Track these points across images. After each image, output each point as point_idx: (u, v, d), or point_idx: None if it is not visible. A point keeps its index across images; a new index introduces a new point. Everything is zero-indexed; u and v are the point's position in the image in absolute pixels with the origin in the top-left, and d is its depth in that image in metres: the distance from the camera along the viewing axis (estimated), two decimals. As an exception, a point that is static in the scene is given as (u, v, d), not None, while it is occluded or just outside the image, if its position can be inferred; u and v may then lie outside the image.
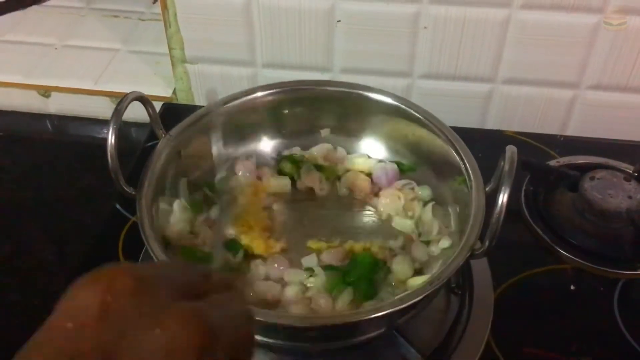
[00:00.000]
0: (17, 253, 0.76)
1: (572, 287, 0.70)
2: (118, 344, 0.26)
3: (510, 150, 0.55)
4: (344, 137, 0.76)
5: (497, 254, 0.67)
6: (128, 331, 0.26)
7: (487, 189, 0.60)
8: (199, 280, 0.32)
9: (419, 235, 0.67)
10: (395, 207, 0.70)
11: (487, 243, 0.54)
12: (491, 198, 0.55)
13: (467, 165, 0.62)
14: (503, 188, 0.52)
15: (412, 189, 0.71)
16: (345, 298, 0.59)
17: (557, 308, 0.68)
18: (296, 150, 0.75)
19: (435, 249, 0.65)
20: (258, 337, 0.54)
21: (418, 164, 0.72)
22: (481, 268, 0.68)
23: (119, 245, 0.74)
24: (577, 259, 0.71)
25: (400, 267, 0.62)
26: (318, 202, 0.72)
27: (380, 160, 0.74)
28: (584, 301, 0.69)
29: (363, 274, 0.62)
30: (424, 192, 0.71)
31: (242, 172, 0.73)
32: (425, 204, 0.69)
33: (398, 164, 0.73)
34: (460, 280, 0.68)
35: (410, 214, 0.69)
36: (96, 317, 0.27)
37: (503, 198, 0.52)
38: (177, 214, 0.66)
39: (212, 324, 0.28)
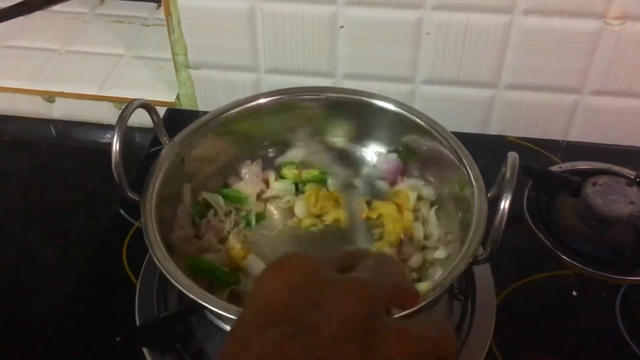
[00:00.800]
0: (21, 257, 0.76)
1: (574, 293, 0.70)
2: (304, 312, 0.31)
3: (512, 156, 0.56)
4: (347, 142, 0.76)
5: (499, 260, 0.68)
6: (309, 303, 0.31)
7: (489, 194, 0.60)
8: (345, 257, 0.38)
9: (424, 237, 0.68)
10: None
11: (489, 249, 0.54)
12: (493, 204, 0.55)
13: (470, 171, 0.62)
14: (505, 194, 0.52)
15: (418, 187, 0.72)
16: None
17: (560, 314, 0.69)
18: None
19: (429, 256, 0.65)
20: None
21: (420, 169, 0.72)
22: (483, 273, 0.68)
23: (123, 251, 0.74)
24: (579, 265, 0.71)
25: None
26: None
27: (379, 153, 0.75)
28: (586, 307, 0.69)
29: None
30: (429, 191, 0.71)
31: (249, 175, 0.73)
32: (430, 205, 0.70)
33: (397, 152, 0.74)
34: (462, 286, 0.68)
35: (416, 214, 0.70)
36: (285, 293, 0.32)
37: (505, 205, 0.52)
38: (180, 219, 0.67)
39: (368, 286, 0.33)
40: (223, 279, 0.63)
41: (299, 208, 0.72)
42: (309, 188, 0.74)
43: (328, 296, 0.32)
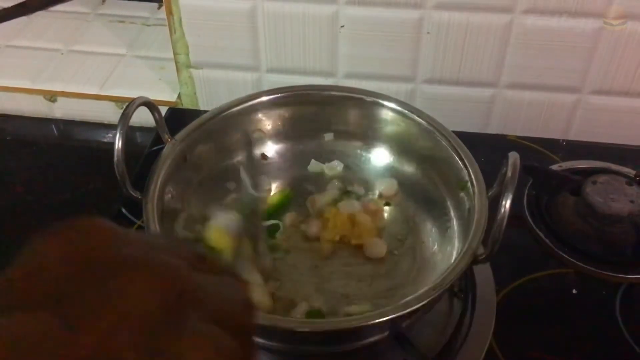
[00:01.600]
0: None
1: (574, 291, 0.70)
2: (76, 294, 0.23)
3: (513, 156, 0.56)
4: (348, 142, 0.76)
5: (499, 258, 0.67)
6: (90, 283, 0.24)
7: (489, 194, 0.60)
8: (194, 257, 0.28)
9: None
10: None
11: (489, 249, 0.54)
12: (494, 203, 0.56)
13: (470, 170, 0.62)
14: (506, 194, 0.52)
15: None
16: None
17: (560, 312, 0.69)
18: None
19: None
20: (260, 340, 0.54)
21: (420, 169, 0.73)
22: (484, 272, 0.69)
23: (125, 249, 0.74)
24: (579, 263, 0.72)
25: None
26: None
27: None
28: (586, 305, 0.69)
29: None
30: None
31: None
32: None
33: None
34: (463, 284, 0.68)
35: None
36: (56, 265, 0.24)
37: (506, 204, 0.52)
38: (182, 222, 0.67)
39: (180, 270, 0.25)
40: None
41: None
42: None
43: (123, 274, 0.24)
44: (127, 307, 0.23)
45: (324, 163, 0.76)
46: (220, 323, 0.25)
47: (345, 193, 0.74)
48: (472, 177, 0.62)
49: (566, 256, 0.72)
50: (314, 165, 0.76)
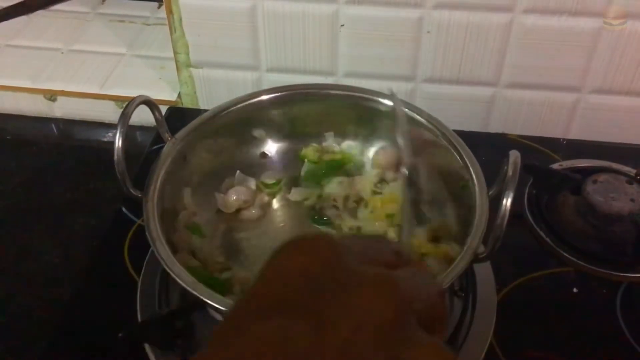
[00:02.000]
0: (23, 256, 0.76)
1: (575, 290, 0.70)
2: (319, 304, 0.26)
3: (514, 155, 0.56)
4: (348, 140, 0.76)
5: (500, 257, 0.68)
6: (327, 294, 0.27)
7: (490, 193, 0.60)
8: (390, 254, 0.32)
9: None
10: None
11: (490, 248, 0.54)
12: (494, 202, 0.56)
13: (470, 168, 0.62)
14: (506, 193, 0.52)
15: None
16: None
17: (560, 311, 0.69)
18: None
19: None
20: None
21: (420, 167, 0.72)
22: (484, 271, 0.69)
23: (125, 248, 0.74)
24: (579, 262, 0.72)
25: None
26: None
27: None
28: (587, 304, 0.69)
29: None
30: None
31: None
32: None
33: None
34: (463, 283, 0.68)
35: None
36: (299, 278, 0.27)
37: (507, 203, 0.52)
38: (182, 221, 0.67)
39: (404, 288, 0.28)
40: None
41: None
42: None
43: (351, 290, 0.27)
44: (362, 318, 0.26)
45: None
46: (429, 327, 0.29)
47: None
48: (473, 175, 0.62)
49: (567, 255, 0.72)
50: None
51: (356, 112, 0.74)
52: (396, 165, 0.73)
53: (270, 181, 0.75)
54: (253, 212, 0.72)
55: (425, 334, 0.28)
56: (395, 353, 0.26)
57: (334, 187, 0.72)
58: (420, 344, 0.27)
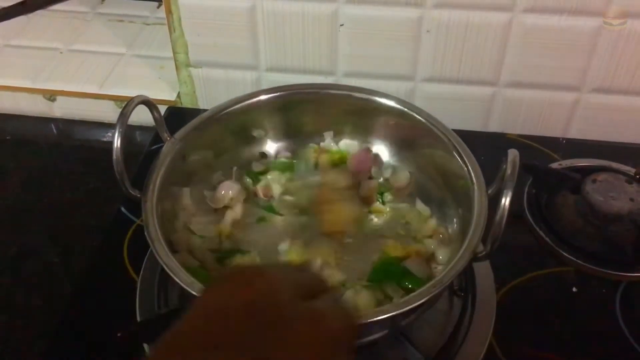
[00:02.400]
0: (22, 256, 0.77)
1: (574, 289, 0.70)
2: (258, 340, 0.27)
3: (513, 153, 0.56)
4: (347, 139, 0.76)
5: (499, 257, 0.67)
6: (266, 330, 0.28)
7: (489, 191, 0.60)
8: (315, 282, 0.35)
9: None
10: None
11: (489, 246, 0.54)
12: (493, 201, 0.55)
13: (470, 168, 0.62)
14: (505, 191, 0.52)
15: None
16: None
17: (560, 310, 0.69)
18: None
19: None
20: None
21: (420, 166, 0.73)
22: (484, 270, 0.69)
23: (124, 248, 0.74)
24: (579, 261, 0.72)
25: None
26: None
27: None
28: (586, 303, 0.69)
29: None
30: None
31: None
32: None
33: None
34: (463, 283, 0.68)
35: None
36: (239, 313, 0.28)
37: (505, 202, 0.52)
38: (181, 221, 0.67)
39: (334, 321, 0.30)
40: None
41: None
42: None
43: (288, 326, 0.28)
44: (298, 354, 0.27)
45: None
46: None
47: None
48: (472, 174, 0.61)
49: (566, 254, 0.72)
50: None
51: (355, 111, 0.74)
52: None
53: (258, 169, 0.75)
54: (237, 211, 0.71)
55: None
56: None
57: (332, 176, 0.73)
58: None
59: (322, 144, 0.76)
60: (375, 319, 0.51)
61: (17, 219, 0.82)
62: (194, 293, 0.52)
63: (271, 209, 0.72)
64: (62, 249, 0.77)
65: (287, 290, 0.31)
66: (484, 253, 0.55)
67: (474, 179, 0.61)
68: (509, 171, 0.54)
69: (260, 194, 0.73)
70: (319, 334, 0.29)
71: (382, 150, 0.75)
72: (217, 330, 0.28)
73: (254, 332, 0.28)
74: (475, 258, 0.55)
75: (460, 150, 0.65)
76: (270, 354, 0.27)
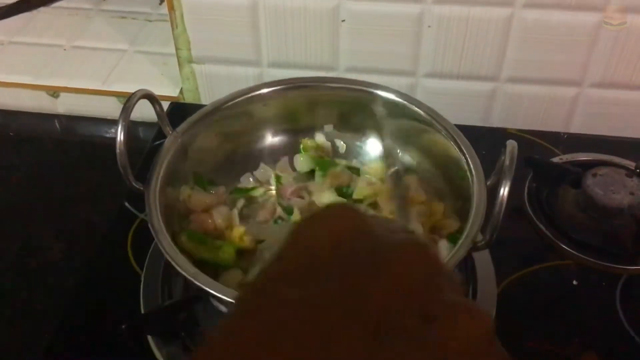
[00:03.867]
0: (26, 251, 0.77)
1: (574, 283, 0.70)
2: (352, 271, 0.26)
3: (511, 144, 0.56)
4: (348, 133, 0.76)
5: (500, 250, 0.68)
6: (360, 261, 0.26)
7: (488, 183, 0.60)
8: (405, 232, 0.33)
9: None
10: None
11: (488, 235, 0.54)
12: (493, 192, 0.56)
13: (469, 159, 0.63)
14: (504, 182, 0.53)
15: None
16: None
17: (560, 303, 0.69)
18: None
19: None
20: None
21: (420, 159, 0.73)
22: (484, 264, 0.69)
23: (128, 243, 0.75)
24: (579, 255, 0.72)
25: None
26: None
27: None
28: (587, 296, 0.70)
29: None
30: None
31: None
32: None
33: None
34: (463, 276, 0.68)
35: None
36: (329, 245, 0.27)
37: (504, 192, 0.53)
38: (183, 213, 0.67)
39: (435, 252, 0.29)
40: (223, 258, 0.63)
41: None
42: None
43: (383, 255, 0.26)
44: (397, 282, 0.25)
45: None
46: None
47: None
48: (471, 165, 0.62)
49: (567, 248, 0.73)
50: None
51: (355, 104, 0.74)
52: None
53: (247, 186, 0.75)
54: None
55: (458, 296, 0.28)
56: (432, 315, 0.25)
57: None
58: (457, 304, 0.27)
59: (319, 139, 0.76)
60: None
61: (21, 215, 0.82)
62: (197, 283, 0.52)
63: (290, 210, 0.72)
64: (66, 243, 0.78)
65: (379, 226, 0.29)
66: (483, 242, 0.55)
67: (472, 170, 0.61)
68: (507, 162, 0.54)
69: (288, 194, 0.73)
70: (420, 262, 0.27)
71: (382, 142, 0.75)
72: (306, 263, 0.27)
73: (345, 264, 0.26)
74: (474, 247, 0.55)
75: (459, 141, 0.65)
76: (364, 284, 0.25)
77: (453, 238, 0.63)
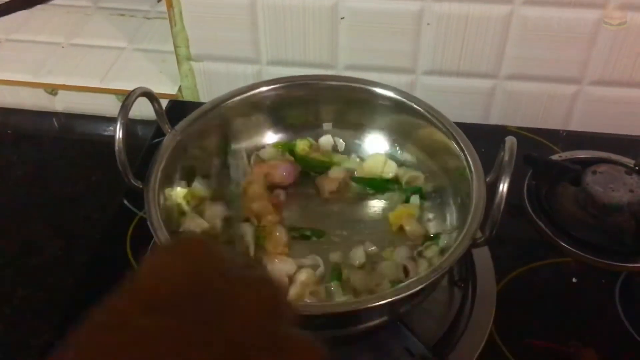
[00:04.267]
0: (26, 249, 0.77)
1: (574, 280, 0.71)
2: (200, 304, 0.27)
3: (510, 140, 0.56)
4: (347, 130, 0.76)
5: (500, 248, 0.68)
6: (209, 293, 0.27)
7: (487, 179, 0.60)
8: (240, 260, 0.35)
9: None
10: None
11: (487, 232, 0.54)
12: (492, 189, 0.56)
13: (468, 155, 0.63)
14: (503, 177, 0.53)
15: None
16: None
17: (560, 300, 0.69)
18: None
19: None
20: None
21: (419, 157, 0.73)
22: (484, 261, 0.69)
23: (127, 241, 0.75)
24: (579, 252, 0.72)
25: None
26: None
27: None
28: (586, 293, 0.70)
29: None
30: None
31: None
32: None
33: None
34: (463, 273, 0.68)
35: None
36: (179, 277, 0.28)
37: (503, 187, 0.52)
38: (182, 210, 0.67)
39: (279, 287, 0.30)
40: None
41: None
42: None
43: (233, 290, 0.28)
44: (243, 316, 0.27)
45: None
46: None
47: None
48: (470, 162, 0.62)
49: (566, 245, 0.73)
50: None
51: (354, 102, 0.74)
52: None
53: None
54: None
55: (295, 329, 0.29)
56: (275, 345, 0.27)
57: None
58: (296, 337, 0.28)
59: (319, 140, 0.77)
60: (373, 304, 0.51)
61: (20, 213, 0.82)
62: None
63: None
64: (65, 242, 0.77)
65: (226, 258, 0.31)
66: (482, 239, 0.55)
67: (472, 167, 0.61)
68: (506, 157, 0.54)
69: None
70: (264, 296, 0.29)
71: (380, 139, 0.75)
72: (153, 295, 0.27)
73: (193, 296, 0.27)
74: (474, 244, 0.55)
75: (458, 138, 0.65)
76: (210, 316, 0.26)
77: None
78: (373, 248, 0.66)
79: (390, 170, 0.73)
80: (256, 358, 0.26)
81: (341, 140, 0.77)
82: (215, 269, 0.29)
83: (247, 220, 0.68)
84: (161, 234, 0.56)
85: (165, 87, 0.97)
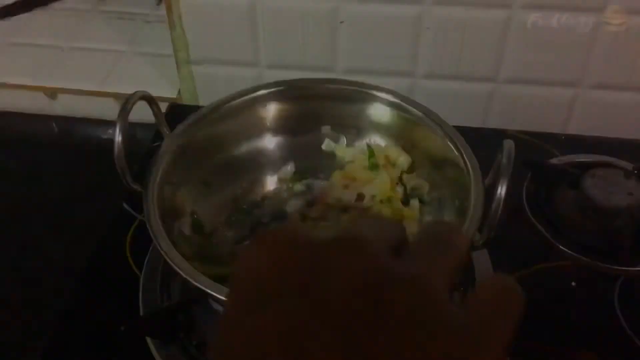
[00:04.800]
0: (24, 253, 0.77)
1: (573, 284, 0.70)
2: (300, 284, 0.26)
3: (508, 143, 0.56)
4: (345, 134, 0.76)
5: (499, 251, 0.68)
6: (304, 272, 0.26)
7: (485, 182, 0.60)
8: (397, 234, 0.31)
9: None
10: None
11: (486, 234, 0.54)
12: (490, 192, 0.56)
13: (466, 158, 0.63)
14: (501, 180, 0.53)
15: None
16: None
17: (559, 304, 0.69)
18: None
19: None
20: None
21: (418, 159, 0.73)
22: (483, 265, 0.69)
23: (126, 245, 0.75)
24: (578, 256, 0.72)
25: None
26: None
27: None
28: (585, 297, 0.70)
29: None
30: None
31: None
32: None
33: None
34: (462, 277, 0.68)
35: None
36: (273, 267, 0.27)
37: (502, 191, 0.52)
38: (182, 214, 0.67)
39: (365, 238, 0.28)
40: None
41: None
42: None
43: (323, 260, 0.27)
44: (344, 279, 0.25)
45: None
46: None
47: None
48: (468, 165, 0.62)
49: (565, 249, 0.73)
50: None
51: (353, 105, 0.74)
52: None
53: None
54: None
55: (410, 266, 0.27)
56: (379, 300, 0.25)
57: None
58: (401, 280, 0.26)
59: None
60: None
61: (19, 216, 0.82)
62: (195, 284, 0.52)
63: None
64: (64, 245, 0.78)
65: (314, 233, 0.29)
66: (481, 241, 0.55)
67: (470, 169, 0.61)
68: (504, 160, 0.54)
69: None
70: (354, 257, 0.27)
71: (379, 142, 0.75)
72: (257, 290, 0.26)
73: (292, 280, 0.26)
74: (472, 246, 0.55)
75: (456, 141, 0.65)
76: (318, 294, 0.25)
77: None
78: None
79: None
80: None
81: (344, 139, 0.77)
82: (308, 246, 0.28)
83: None
84: (160, 238, 0.56)
85: (165, 90, 0.97)
